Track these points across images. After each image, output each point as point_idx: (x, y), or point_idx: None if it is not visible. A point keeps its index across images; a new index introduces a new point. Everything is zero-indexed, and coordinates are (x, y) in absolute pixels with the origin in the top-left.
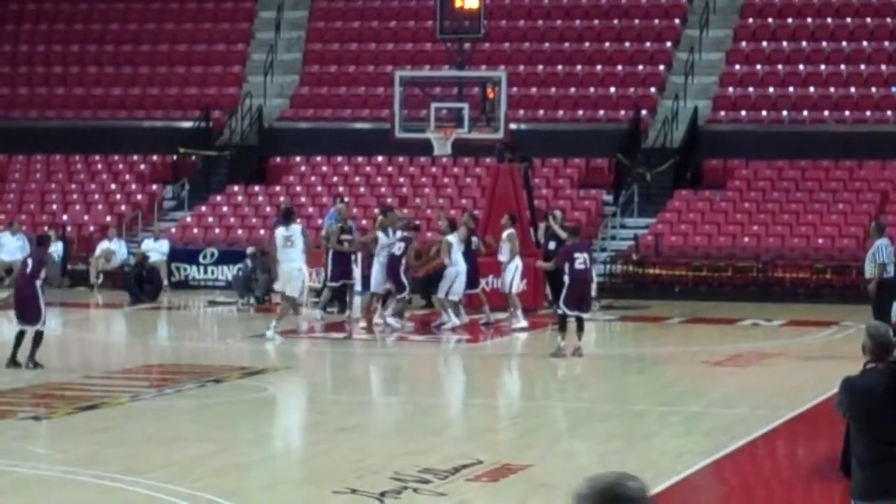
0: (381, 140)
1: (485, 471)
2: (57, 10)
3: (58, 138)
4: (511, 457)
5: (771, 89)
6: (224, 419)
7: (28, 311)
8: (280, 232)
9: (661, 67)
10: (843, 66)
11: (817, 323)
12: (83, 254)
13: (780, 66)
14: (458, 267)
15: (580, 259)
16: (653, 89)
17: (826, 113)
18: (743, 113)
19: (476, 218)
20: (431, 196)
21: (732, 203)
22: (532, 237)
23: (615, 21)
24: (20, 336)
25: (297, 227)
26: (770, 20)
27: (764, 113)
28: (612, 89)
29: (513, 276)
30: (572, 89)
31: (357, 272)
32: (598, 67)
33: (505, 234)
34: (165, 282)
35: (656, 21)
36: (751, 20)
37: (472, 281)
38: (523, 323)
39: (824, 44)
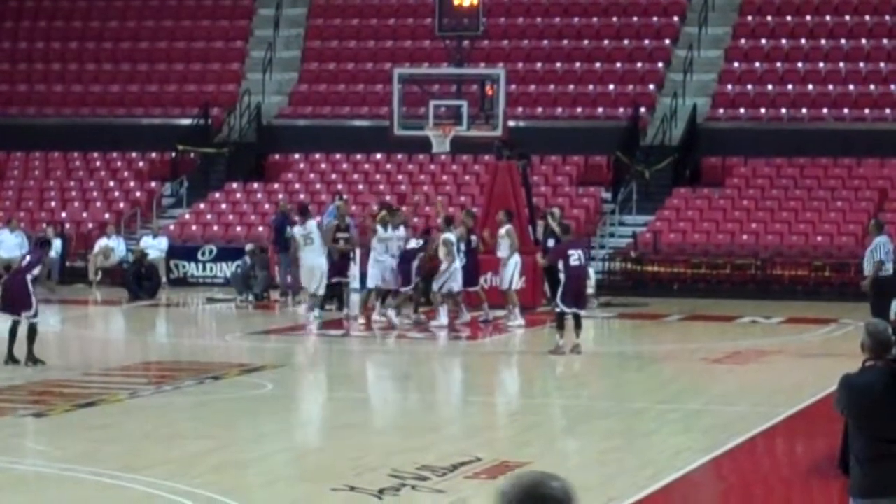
0: (380, 137)
1: (483, 468)
2: (56, 7)
3: (56, 135)
4: (509, 454)
5: (770, 87)
6: (223, 416)
7: (16, 300)
8: (297, 231)
9: (660, 65)
10: (841, 64)
11: (816, 320)
12: (82, 251)
13: (778, 64)
14: (455, 263)
15: (574, 256)
16: (651, 87)
17: (825, 110)
18: (742, 110)
19: (474, 215)
20: (432, 196)
21: (731, 200)
22: (531, 235)
23: (614, 18)
24: (14, 330)
25: (312, 223)
26: (769, 18)
27: (763, 110)
28: (611, 87)
29: (512, 272)
30: (571, 87)
31: (355, 269)
32: (597, 65)
33: (503, 230)
34: (164, 279)
35: (655, 18)
36: (749, 18)
37: (471, 279)
38: (520, 321)
39: (823, 41)
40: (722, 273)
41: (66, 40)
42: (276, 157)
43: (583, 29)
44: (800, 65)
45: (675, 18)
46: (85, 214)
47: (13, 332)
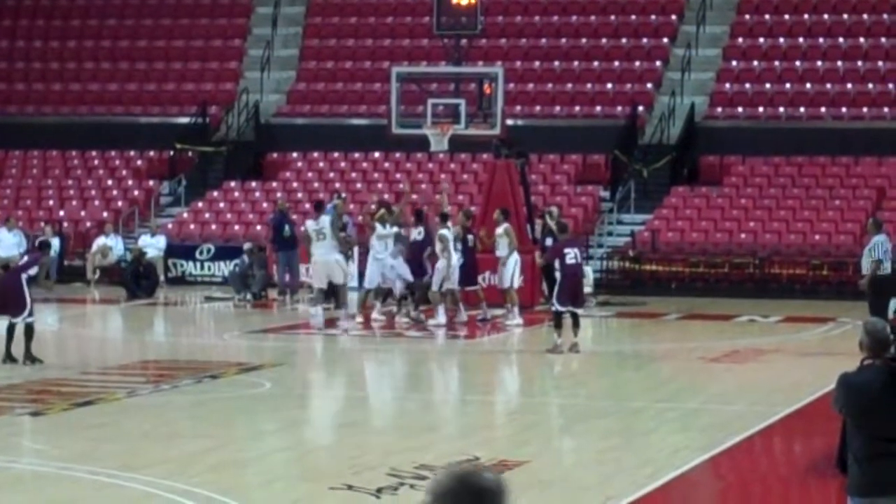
0: (378, 136)
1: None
2: (54, 5)
3: (54, 134)
4: (508, 453)
5: (768, 85)
6: (221, 415)
7: (11, 301)
8: (310, 226)
9: (658, 64)
10: (839, 63)
11: (814, 319)
12: (80, 250)
13: (776, 63)
14: (451, 260)
15: (571, 254)
16: (649, 85)
17: (823, 109)
18: (739, 109)
19: (472, 215)
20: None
21: (729, 199)
22: (529, 234)
23: (612, 17)
24: (10, 330)
25: (326, 219)
26: (767, 16)
27: (760, 109)
28: (609, 85)
29: (512, 271)
30: (569, 85)
31: (354, 268)
32: (595, 64)
33: (501, 229)
34: (162, 277)
35: (653, 17)
36: (747, 16)
37: (470, 278)
38: (518, 320)
39: (821, 40)
40: (720, 272)
41: (64, 39)
42: (275, 155)
43: (581, 28)
44: (798, 63)
45: (673, 17)
46: (83, 213)
47: (10, 332)
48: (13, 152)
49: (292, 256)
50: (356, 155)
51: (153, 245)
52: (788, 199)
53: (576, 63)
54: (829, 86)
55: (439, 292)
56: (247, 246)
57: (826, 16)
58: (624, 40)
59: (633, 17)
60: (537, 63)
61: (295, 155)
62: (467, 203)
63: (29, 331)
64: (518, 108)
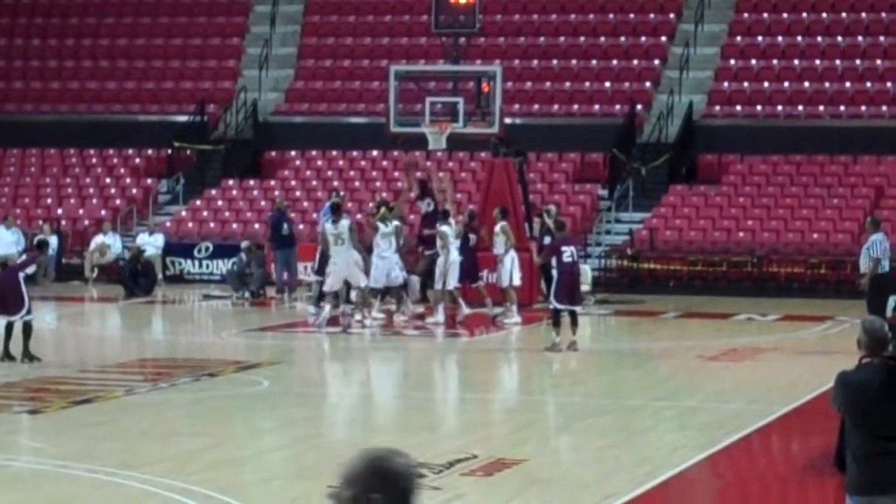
0: (377, 134)
1: (479, 465)
2: (52, 3)
3: (53, 132)
4: (506, 451)
5: (766, 84)
6: (219, 413)
7: (9, 300)
8: (329, 230)
9: (657, 62)
10: (838, 61)
11: (812, 318)
12: (78, 248)
13: (775, 61)
14: (451, 257)
15: (567, 253)
16: (648, 84)
17: (821, 108)
18: (738, 108)
19: (475, 215)
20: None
21: (727, 198)
22: (527, 232)
23: (610, 15)
24: (9, 328)
25: (345, 223)
26: (765, 15)
27: (759, 108)
28: (607, 84)
29: (510, 269)
30: (567, 84)
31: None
32: (594, 62)
33: (498, 227)
34: (160, 276)
35: (651, 15)
36: (746, 15)
37: (472, 275)
38: (516, 318)
39: (819, 38)
40: (718, 270)
41: (63, 37)
42: (273, 154)
43: (579, 26)
44: (796, 62)
45: (672, 15)
46: (81, 211)
47: (8, 330)
48: (11, 151)
49: (290, 255)
50: (354, 153)
51: (151, 243)
52: (787, 198)
53: (574, 62)
54: (827, 84)
55: (440, 291)
56: (245, 244)
57: (824, 14)
58: (622, 39)
59: (632, 15)
60: (535, 61)
61: (293, 153)
62: (466, 201)
63: (27, 329)
64: (516, 106)
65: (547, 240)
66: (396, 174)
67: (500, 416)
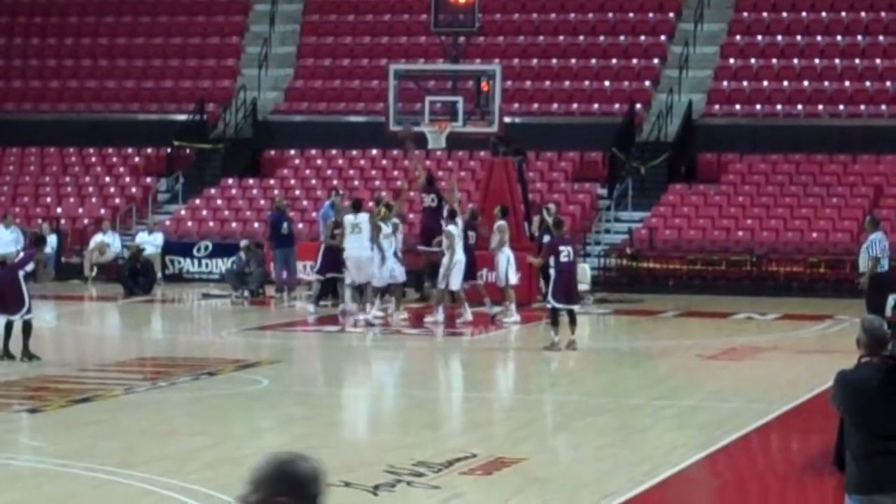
0: (376, 133)
1: (478, 464)
2: (51, 2)
3: (52, 131)
4: (505, 450)
5: (765, 83)
6: (218, 412)
7: (9, 299)
8: (349, 219)
9: (656, 61)
10: (837, 61)
11: (811, 317)
12: (77, 247)
13: (774, 60)
14: (456, 256)
15: (565, 252)
16: (647, 83)
17: (820, 107)
18: (737, 107)
19: (476, 214)
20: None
21: (726, 197)
22: (526, 231)
23: (609, 14)
24: (8, 327)
25: (364, 216)
26: (764, 14)
27: (758, 107)
28: (607, 83)
29: (505, 267)
30: (567, 83)
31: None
32: (593, 61)
33: (495, 226)
34: (159, 275)
35: (651, 14)
36: (745, 14)
37: (470, 273)
38: (515, 317)
39: (819, 38)
40: (717, 269)
41: (62, 36)
42: (272, 152)
43: (578, 25)
44: (795, 61)
45: (671, 15)
46: (80, 210)
47: (8, 329)
48: (10, 149)
49: (290, 254)
50: (354, 152)
51: (150, 242)
52: (786, 197)
53: (573, 61)
54: (826, 83)
55: (442, 290)
56: (244, 243)
57: (824, 13)
58: (622, 38)
59: (631, 14)
60: (535, 60)
61: (293, 152)
62: (465, 200)
63: (27, 328)
64: (516, 105)
65: (546, 238)
66: (396, 173)
67: (500, 415)
